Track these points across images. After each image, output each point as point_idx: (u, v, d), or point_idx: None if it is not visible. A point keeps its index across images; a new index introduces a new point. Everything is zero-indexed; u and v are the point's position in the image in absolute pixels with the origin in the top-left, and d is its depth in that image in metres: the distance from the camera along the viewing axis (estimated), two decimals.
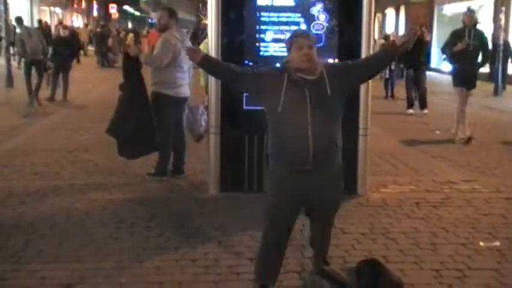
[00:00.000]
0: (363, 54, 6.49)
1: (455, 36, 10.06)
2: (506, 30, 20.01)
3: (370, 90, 6.62)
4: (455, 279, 4.56)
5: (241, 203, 6.29)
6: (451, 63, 10.40)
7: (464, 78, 10.00)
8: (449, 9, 28.56)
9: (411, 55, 12.16)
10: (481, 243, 5.29)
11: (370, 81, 6.47)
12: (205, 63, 4.23)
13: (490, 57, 10.50)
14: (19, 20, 15.90)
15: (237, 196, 6.47)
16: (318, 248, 4.38)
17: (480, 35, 10.05)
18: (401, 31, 30.90)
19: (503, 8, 20.51)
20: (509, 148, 9.75)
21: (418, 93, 13.96)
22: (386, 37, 20.03)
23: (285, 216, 4.04)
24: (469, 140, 9.99)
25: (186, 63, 7.23)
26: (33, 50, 14.24)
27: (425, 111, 13.53)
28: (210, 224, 5.72)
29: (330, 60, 6.45)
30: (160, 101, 7.19)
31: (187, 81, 7.35)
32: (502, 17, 20.06)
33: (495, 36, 19.24)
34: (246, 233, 5.41)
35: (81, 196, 6.62)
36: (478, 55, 9.98)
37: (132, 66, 6.98)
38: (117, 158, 7.89)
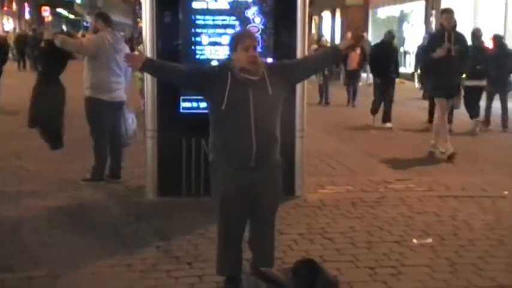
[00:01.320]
0: (298, 56, 6.55)
1: (434, 41, 8.98)
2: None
3: (305, 94, 6.69)
4: (389, 276, 4.65)
5: (180, 207, 6.24)
6: (429, 71, 9.33)
7: (447, 87, 8.86)
8: (383, 12, 29.20)
9: (379, 62, 12.18)
10: (414, 241, 5.42)
11: (305, 85, 6.60)
12: (148, 68, 4.22)
13: (471, 62, 9.42)
14: None
15: (175, 200, 6.42)
16: (256, 249, 4.40)
17: (462, 38, 8.91)
18: (338, 34, 31.42)
19: (434, 11, 21.11)
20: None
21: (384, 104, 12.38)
22: (318, 42, 20.33)
23: (235, 214, 4.14)
24: (451, 156, 8.79)
25: (121, 67, 7.14)
26: None
27: (388, 125, 12.04)
28: (148, 229, 5.65)
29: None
30: (94, 105, 7.10)
31: (122, 85, 7.26)
32: (433, 20, 20.64)
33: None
34: (185, 237, 5.39)
35: (13, 204, 6.44)
36: (460, 61, 8.77)
37: (53, 55, 7.01)
38: (51, 165, 7.74)
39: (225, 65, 4.09)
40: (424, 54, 9.58)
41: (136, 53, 7.58)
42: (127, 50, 7.41)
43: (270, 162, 4.08)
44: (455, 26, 8.90)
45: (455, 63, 8.69)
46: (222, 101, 3.90)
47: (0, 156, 8.66)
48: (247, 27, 6.54)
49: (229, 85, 3.91)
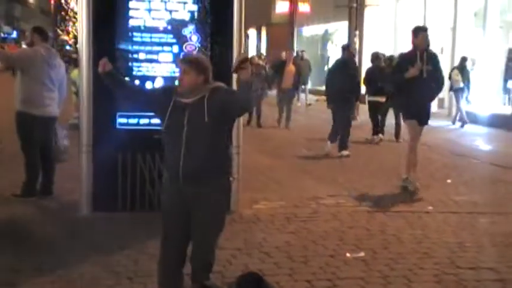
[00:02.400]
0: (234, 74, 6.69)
1: (405, 61, 8.35)
2: (360, 53, 21.26)
3: None
4: None
5: (115, 222, 6.22)
6: (399, 93, 8.60)
7: (418, 110, 8.22)
8: (308, 31, 29.88)
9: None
10: (348, 254, 5.62)
11: None
12: (112, 75, 4.36)
13: (443, 84, 8.84)
14: None
15: (111, 216, 6.39)
16: (195, 265, 4.44)
17: (434, 59, 8.32)
18: (263, 51, 31.84)
19: (357, 32, 21.79)
20: (373, 167, 10.32)
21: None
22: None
23: (171, 227, 4.21)
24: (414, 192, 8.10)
25: (55, 82, 7.08)
26: None
27: (346, 152, 10.99)
28: (84, 244, 5.62)
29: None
30: (25, 120, 7.00)
31: (55, 100, 7.17)
32: (357, 40, 21.30)
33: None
34: (123, 252, 5.40)
35: None
36: (432, 82, 8.22)
37: None
38: None
39: (172, 87, 4.30)
40: (393, 75, 8.86)
41: None
42: (62, 65, 7.34)
43: (204, 181, 4.09)
44: (428, 45, 8.33)
45: (427, 85, 8.11)
46: (164, 122, 4.12)
47: None
48: (184, 45, 6.64)
49: (170, 108, 4.09)
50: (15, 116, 7.10)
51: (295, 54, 20.36)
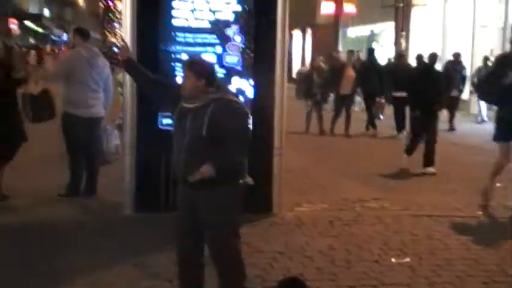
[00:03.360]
0: (277, 75, 6.62)
1: (505, 64, 6.94)
2: (406, 54, 20.93)
3: (284, 110, 6.74)
4: None
5: (157, 223, 6.20)
6: (495, 103, 7.57)
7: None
8: (353, 32, 29.60)
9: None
10: (393, 260, 5.48)
11: (284, 102, 6.68)
12: (132, 62, 4.41)
13: None
14: None
15: (153, 216, 6.38)
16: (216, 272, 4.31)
17: None
18: (308, 53, 31.68)
19: (404, 33, 21.48)
20: (417, 168, 10.10)
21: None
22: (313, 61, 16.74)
23: (183, 230, 4.17)
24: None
25: (99, 82, 7.12)
26: None
27: (431, 170, 9.54)
28: (126, 245, 5.62)
29: (244, 82, 6.56)
30: (69, 121, 7.07)
31: (99, 100, 7.20)
32: (403, 41, 20.99)
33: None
34: (163, 253, 5.34)
35: None
36: None
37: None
38: (25, 181, 7.64)
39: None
40: (488, 81, 7.54)
41: None
42: (106, 64, 7.38)
43: (207, 187, 3.97)
44: None
45: None
46: (173, 125, 4.16)
47: None
48: (227, 45, 6.59)
49: (177, 111, 4.09)
50: (60, 117, 7.18)
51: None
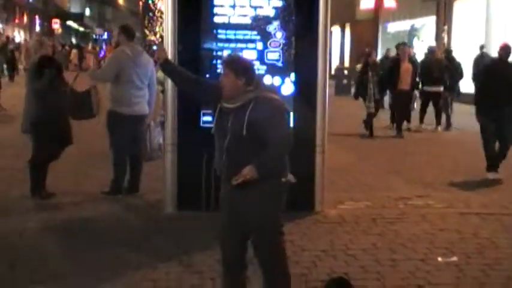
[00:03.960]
0: (319, 72, 6.55)
1: None
2: (449, 49, 20.55)
3: (327, 107, 6.66)
4: None
5: (200, 221, 6.19)
6: None
7: None
8: (393, 27, 29.24)
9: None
10: (440, 259, 5.37)
11: (326, 99, 6.60)
12: (170, 64, 4.37)
13: None
14: None
15: (195, 214, 6.38)
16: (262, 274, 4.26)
17: None
18: (347, 49, 31.47)
19: (446, 27, 21.10)
20: (460, 164, 9.94)
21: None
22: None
23: (226, 231, 4.12)
24: None
25: (143, 80, 7.14)
26: None
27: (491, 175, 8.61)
28: (169, 243, 5.63)
29: (286, 79, 6.50)
30: (113, 118, 7.11)
31: (144, 98, 7.22)
32: (445, 35, 20.61)
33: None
34: (206, 252, 5.34)
35: (33, 216, 6.42)
36: None
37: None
38: (68, 177, 7.71)
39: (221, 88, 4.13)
40: None
41: None
42: (150, 61, 7.38)
43: (248, 187, 3.90)
44: None
45: None
46: (213, 123, 4.08)
47: (19, 168, 8.63)
48: (268, 42, 6.55)
49: (217, 111, 4.03)
50: (106, 115, 7.22)
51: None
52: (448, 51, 15.35)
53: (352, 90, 17.00)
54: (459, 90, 14.61)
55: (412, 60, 13.79)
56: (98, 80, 7.31)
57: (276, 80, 6.54)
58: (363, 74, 13.18)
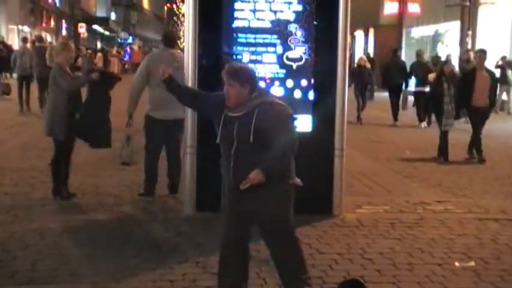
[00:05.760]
0: (339, 75, 6.56)
1: None
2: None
3: (345, 112, 6.67)
4: None
5: (218, 223, 6.19)
6: None
7: None
8: (417, 32, 29.08)
9: None
10: (457, 264, 5.34)
11: (345, 103, 6.62)
12: (172, 80, 4.44)
13: None
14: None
15: (214, 216, 6.40)
16: (279, 274, 4.32)
17: None
18: (371, 54, 31.31)
19: (470, 32, 20.94)
20: (478, 168, 9.88)
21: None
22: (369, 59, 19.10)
23: (231, 234, 4.23)
24: None
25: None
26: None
27: None
28: (187, 244, 5.68)
29: (305, 82, 6.53)
30: (147, 122, 7.19)
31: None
32: (469, 40, 20.46)
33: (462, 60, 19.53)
34: None
35: (54, 217, 6.51)
36: None
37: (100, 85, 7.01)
38: (89, 178, 7.79)
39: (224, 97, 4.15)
40: None
41: None
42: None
43: (256, 191, 3.99)
44: None
45: None
46: (218, 133, 4.12)
47: (41, 169, 8.76)
48: (289, 38, 6.53)
49: (222, 120, 4.07)
50: (144, 119, 7.26)
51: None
52: (437, 57, 16.98)
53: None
54: None
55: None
56: (132, 95, 7.20)
57: (295, 84, 6.57)
58: (436, 86, 10.79)
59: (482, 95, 10.43)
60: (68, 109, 6.95)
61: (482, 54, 10.89)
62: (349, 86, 9.67)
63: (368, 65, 16.95)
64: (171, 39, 7.46)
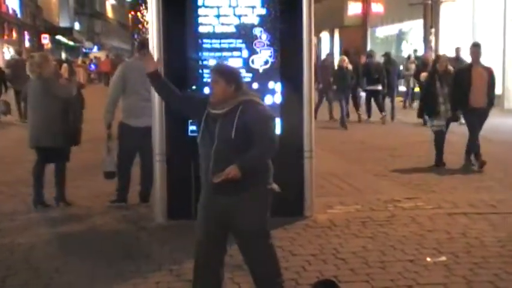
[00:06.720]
0: (305, 78, 6.59)
1: None
2: (436, 51, 20.69)
3: (312, 113, 6.71)
4: None
5: (190, 230, 6.17)
6: None
7: None
8: (381, 32, 29.39)
9: None
10: (428, 259, 5.41)
11: (312, 103, 6.66)
12: (158, 76, 4.40)
13: None
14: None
15: (185, 223, 6.38)
16: (256, 280, 4.34)
17: None
18: (336, 54, 31.55)
19: (433, 29, 21.23)
20: (447, 165, 9.99)
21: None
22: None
23: (205, 236, 4.24)
24: None
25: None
26: None
27: None
28: (160, 252, 5.65)
29: (271, 85, 6.55)
30: (122, 130, 7.18)
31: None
32: (432, 38, 20.74)
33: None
34: None
35: (24, 231, 6.43)
36: None
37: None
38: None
39: (207, 97, 4.22)
40: None
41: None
42: None
43: (233, 193, 4.04)
44: None
45: None
46: (198, 132, 4.16)
47: (9, 183, 8.65)
48: (254, 42, 6.55)
49: (204, 118, 4.11)
50: (117, 126, 7.25)
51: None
52: (388, 54, 18.20)
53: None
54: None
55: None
56: (109, 105, 7.19)
57: (262, 87, 6.58)
58: (429, 86, 10.00)
59: (479, 94, 9.37)
60: (69, 118, 7.12)
61: (476, 48, 9.70)
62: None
63: (350, 66, 16.38)
64: (143, 45, 7.46)
